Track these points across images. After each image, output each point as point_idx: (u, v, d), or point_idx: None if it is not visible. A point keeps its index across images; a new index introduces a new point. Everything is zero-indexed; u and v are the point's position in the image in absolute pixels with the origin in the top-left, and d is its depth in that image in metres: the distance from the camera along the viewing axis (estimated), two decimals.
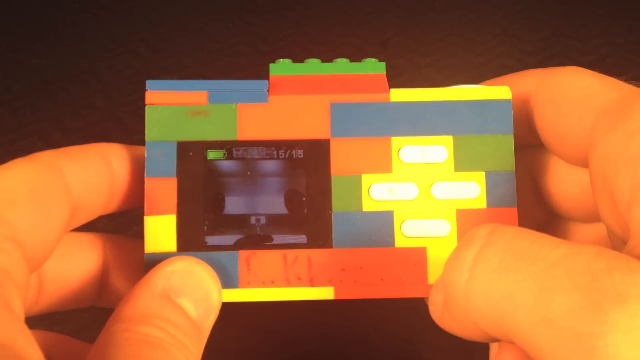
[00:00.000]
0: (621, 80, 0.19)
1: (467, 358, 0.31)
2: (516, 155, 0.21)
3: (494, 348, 0.21)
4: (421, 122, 0.20)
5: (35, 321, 0.31)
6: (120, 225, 0.36)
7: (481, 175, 0.20)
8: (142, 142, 0.20)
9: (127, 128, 0.42)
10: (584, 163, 0.19)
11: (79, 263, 0.20)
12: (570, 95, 0.20)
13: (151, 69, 0.46)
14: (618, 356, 0.12)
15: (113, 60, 0.47)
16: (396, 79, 0.45)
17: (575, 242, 0.14)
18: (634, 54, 0.46)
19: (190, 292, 0.18)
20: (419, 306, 0.23)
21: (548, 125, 0.20)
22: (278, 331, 0.31)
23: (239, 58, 0.47)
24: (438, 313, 0.18)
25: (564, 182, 0.22)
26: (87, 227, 0.21)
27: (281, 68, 0.21)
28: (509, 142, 0.20)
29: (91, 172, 0.19)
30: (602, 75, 0.20)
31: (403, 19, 0.50)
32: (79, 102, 0.44)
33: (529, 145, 0.23)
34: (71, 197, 0.18)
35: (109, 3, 0.52)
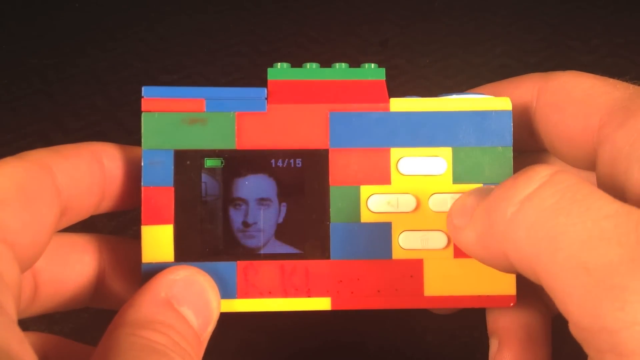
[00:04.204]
0: (624, 80, 0.19)
1: (468, 358, 0.31)
2: (518, 159, 0.21)
3: (493, 346, 0.21)
4: (421, 133, 0.20)
5: (34, 321, 0.31)
6: (120, 225, 0.36)
7: None
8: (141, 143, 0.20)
9: (127, 128, 0.42)
10: (590, 164, 0.19)
11: (74, 265, 0.20)
12: (573, 97, 0.20)
13: (151, 69, 0.46)
14: None
15: (113, 60, 0.47)
16: (396, 79, 0.44)
17: (625, 204, 0.15)
18: (634, 54, 0.46)
19: (191, 302, 0.18)
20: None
21: (552, 128, 0.20)
22: (278, 331, 0.31)
23: (239, 58, 0.47)
24: (462, 235, 0.18)
25: None
26: (87, 227, 0.21)
27: (280, 73, 0.21)
28: (507, 154, 0.20)
29: (82, 172, 0.19)
30: (603, 77, 0.20)
31: (403, 19, 0.50)
32: (79, 102, 0.44)
33: (531, 150, 0.23)
34: (61, 197, 0.18)
35: (109, 3, 0.52)
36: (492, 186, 0.19)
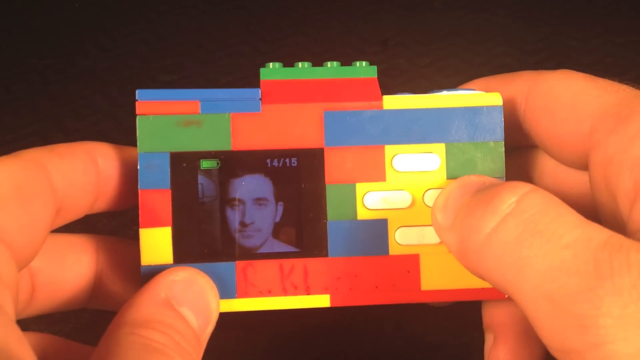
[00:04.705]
0: (615, 81, 0.19)
1: (467, 358, 0.31)
2: (511, 155, 0.21)
3: (488, 340, 0.22)
4: (414, 130, 0.20)
5: (34, 321, 0.31)
6: (120, 225, 0.36)
7: None
8: None
9: (127, 128, 0.42)
10: (583, 165, 0.20)
11: (72, 266, 0.20)
12: (563, 101, 0.20)
13: (151, 69, 0.46)
14: (607, 337, 0.14)
15: (113, 60, 0.47)
16: (396, 79, 0.44)
17: (590, 225, 0.15)
18: (634, 54, 0.46)
19: (191, 302, 0.18)
20: (418, 307, 0.23)
21: (543, 131, 0.20)
22: (277, 331, 0.31)
23: (239, 58, 0.47)
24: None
25: (563, 184, 0.22)
26: (87, 227, 0.21)
27: (272, 73, 0.21)
28: (499, 149, 0.21)
29: (77, 171, 0.19)
30: (594, 78, 0.20)
31: (403, 18, 0.50)
32: (79, 102, 0.44)
33: (523, 146, 0.23)
34: (57, 196, 0.18)
35: (109, 3, 0.52)
36: (474, 177, 0.19)
